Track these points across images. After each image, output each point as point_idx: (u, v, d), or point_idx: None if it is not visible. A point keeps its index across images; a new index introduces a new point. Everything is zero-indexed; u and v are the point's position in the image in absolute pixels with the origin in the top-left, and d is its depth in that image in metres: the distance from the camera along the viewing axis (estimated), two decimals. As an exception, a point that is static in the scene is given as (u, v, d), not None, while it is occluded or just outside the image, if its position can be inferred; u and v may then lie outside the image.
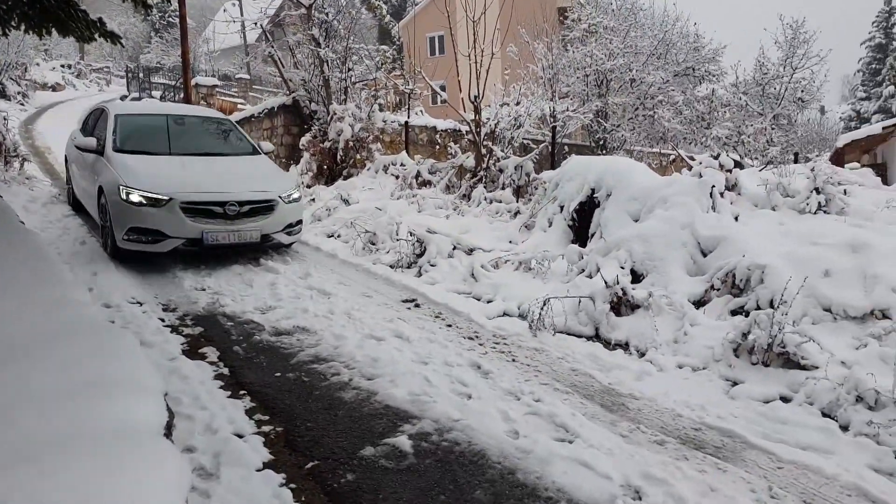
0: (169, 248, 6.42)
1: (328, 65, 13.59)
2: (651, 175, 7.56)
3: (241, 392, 3.98)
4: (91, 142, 7.41)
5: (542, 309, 5.24)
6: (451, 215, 9.35)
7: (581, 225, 7.45)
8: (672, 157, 18.32)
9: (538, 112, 12.03)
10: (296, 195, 7.33)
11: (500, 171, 10.39)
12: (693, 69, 17.14)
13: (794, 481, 3.19)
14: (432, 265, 7.02)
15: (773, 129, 15.76)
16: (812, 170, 6.80)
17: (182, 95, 17.84)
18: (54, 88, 29.23)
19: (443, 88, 16.21)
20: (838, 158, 15.18)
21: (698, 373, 4.48)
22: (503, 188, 10.05)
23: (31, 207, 9.29)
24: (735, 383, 4.30)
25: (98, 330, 3.51)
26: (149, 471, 2.17)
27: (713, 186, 6.62)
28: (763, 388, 4.17)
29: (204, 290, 6.03)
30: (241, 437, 3.38)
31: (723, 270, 5.50)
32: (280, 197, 7.01)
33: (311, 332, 5.02)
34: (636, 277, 6.00)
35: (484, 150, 10.80)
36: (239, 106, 23.05)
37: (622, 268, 6.01)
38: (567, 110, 13.17)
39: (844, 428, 3.69)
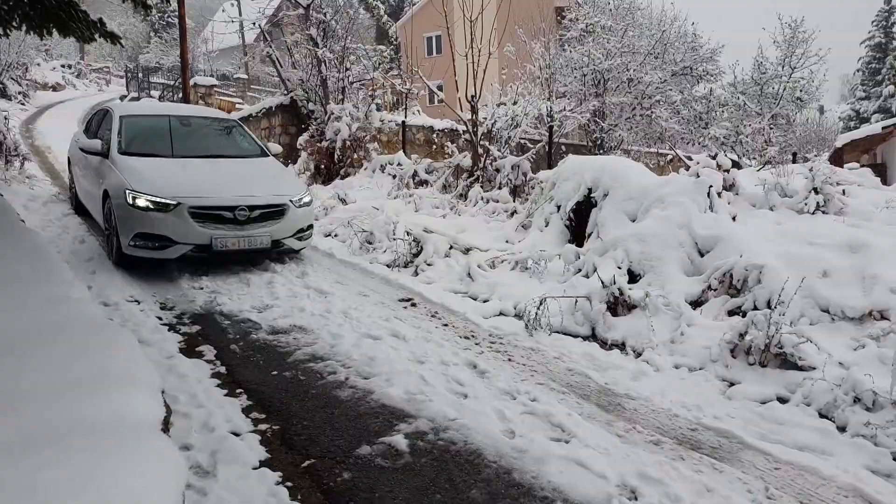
0: (177, 255, 6.19)
1: (326, 65, 13.59)
2: (648, 175, 7.57)
3: (238, 390, 3.98)
4: (95, 144, 7.21)
5: (538, 309, 5.23)
6: (447, 215, 9.35)
7: (578, 225, 7.45)
8: (669, 156, 18.35)
9: (535, 112, 12.05)
10: (307, 199, 7.09)
11: (497, 170, 10.39)
12: (691, 69, 17.14)
13: (791, 482, 3.19)
14: (429, 265, 7.02)
15: (771, 128, 15.80)
16: (810, 170, 6.81)
17: (181, 95, 17.82)
18: (55, 88, 29.20)
19: (440, 88, 16.19)
20: (837, 158, 15.18)
21: (695, 373, 4.48)
22: (500, 188, 10.05)
23: (31, 206, 9.27)
24: (732, 384, 4.30)
25: (96, 326, 3.52)
26: (146, 464, 2.18)
27: (710, 186, 6.62)
28: (760, 388, 4.17)
29: (201, 288, 6.02)
30: (237, 435, 3.38)
31: (720, 270, 5.50)
32: (291, 201, 6.77)
33: (307, 331, 5.02)
34: (633, 277, 5.99)
35: (481, 150, 10.80)
36: (237, 106, 23.03)
37: (619, 268, 6.00)
38: (564, 110, 13.20)
39: (842, 429, 3.69)
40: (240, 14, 26.57)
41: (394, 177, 11.54)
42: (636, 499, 2.98)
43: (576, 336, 5.21)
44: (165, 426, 2.71)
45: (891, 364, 3.80)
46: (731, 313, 5.19)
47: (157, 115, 8.09)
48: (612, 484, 3.07)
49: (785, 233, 5.95)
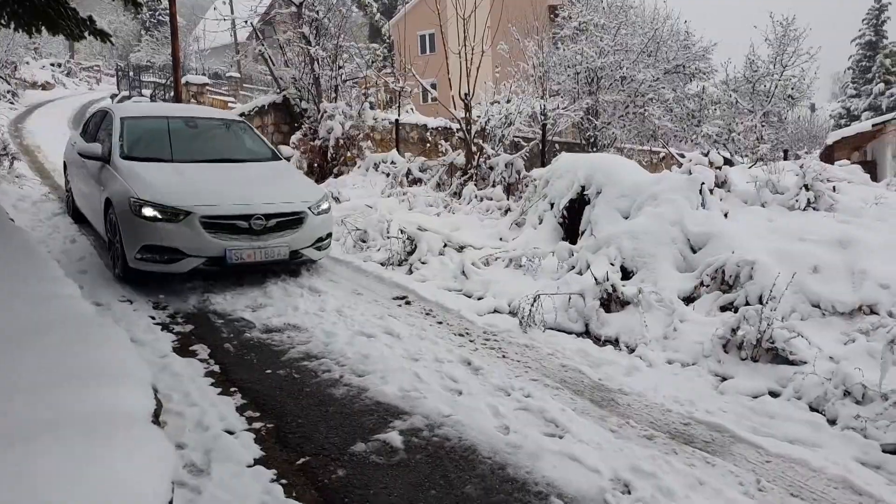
0: (188, 269, 5.71)
1: (318, 63, 13.57)
2: (641, 172, 7.60)
3: (232, 389, 3.98)
4: (95, 148, 6.68)
5: (532, 306, 5.25)
6: (441, 213, 9.37)
7: (571, 222, 7.48)
8: (662, 154, 18.40)
9: (528, 110, 12.07)
10: (325, 205, 6.57)
11: (491, 168, 10.42)
12: (683, 67, 17.17)
13: (782, 474, 3.22)
14: (423, 262, 7.03)
15: (763, 126, 15.85)
16: (801, 167, 6.85)
17: (172, 94, 17.75)
18: (44, 87, 29.05)
19: (433, 86, 16.23)
20: (828, 156, 15.25)
21: (688, 368, 4.51)
22: (494, 186, 10.08)
23: (20, 206, 9.23)
24: (724, 378, 4.33)
25: (86, 322, 3.54)
26: (136, 453, 2.22)
27: (703, 183, 6.65)
28: (752, 382, 4.20)
29: (195, 288, 6.01)
30: (231, 433, 3.39)
31: (712, 267, 5.53)
32: (309, 208, 6.28)
33: (301, 330, 5.02)
34: (626, 274, 6.02)
35: (474, 148, 10.82)
36: (229, 104, 22.95)
37: (612, 264, 6.03)
38: (557, 108, 13.20)
39: (832, 422, 3.72)
40: (232, 12, 26.45)
41: (387, 175, 11.55)
42: (629, 492, 3.00)
43: (569, 332, 5.24)
44: (156, 418, 2.75)
45: (880, 357, 3.84)
46: (723, 309, 5.23)
47: (160, 116, 7.56)
48: (605, 478, 3.09)
49: (776, 229, 5.99)
